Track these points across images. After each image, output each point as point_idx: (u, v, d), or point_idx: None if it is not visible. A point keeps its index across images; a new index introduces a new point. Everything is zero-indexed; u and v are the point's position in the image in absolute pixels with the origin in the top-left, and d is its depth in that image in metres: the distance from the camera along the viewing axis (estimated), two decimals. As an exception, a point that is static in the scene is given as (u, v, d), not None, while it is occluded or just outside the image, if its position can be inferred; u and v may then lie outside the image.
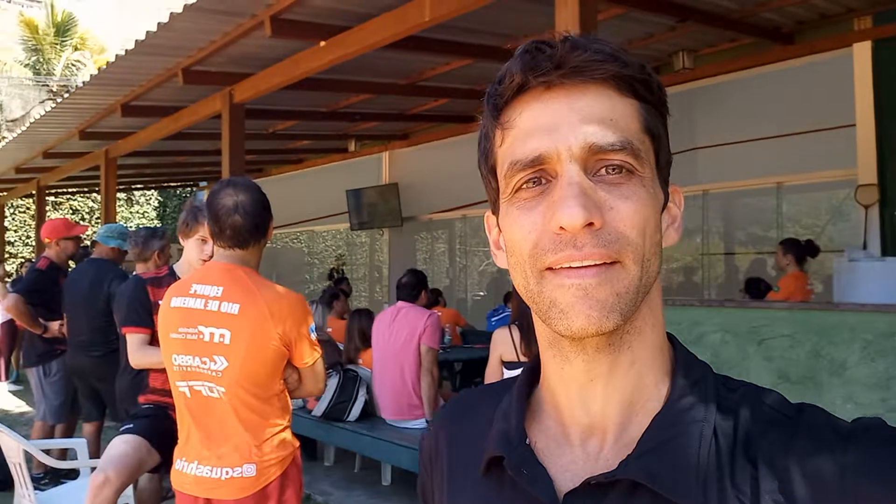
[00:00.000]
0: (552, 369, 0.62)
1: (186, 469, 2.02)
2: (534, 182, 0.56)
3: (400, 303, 4.00)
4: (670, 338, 0.63)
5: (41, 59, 21.16)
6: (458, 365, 5.98)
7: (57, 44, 21.28)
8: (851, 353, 2.31)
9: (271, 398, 2.03)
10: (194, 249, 2.70)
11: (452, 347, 6.11)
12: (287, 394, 2.10)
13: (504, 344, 2.86)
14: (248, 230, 2.03)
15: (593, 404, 0.59)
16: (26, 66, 21.50)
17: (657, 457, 0.54)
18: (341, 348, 4.79)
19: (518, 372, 0.69)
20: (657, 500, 0.53)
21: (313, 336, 2.08)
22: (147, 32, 4.36)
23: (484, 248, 8.32)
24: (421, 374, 3.79)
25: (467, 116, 7.39)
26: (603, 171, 0.55)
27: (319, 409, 4.17)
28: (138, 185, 13.20)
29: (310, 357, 2.07)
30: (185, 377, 2.02)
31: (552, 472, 0.59)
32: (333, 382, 4.18)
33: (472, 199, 7.74)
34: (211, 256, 2.49)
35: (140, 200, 15.30)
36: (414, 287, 3.92)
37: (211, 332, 1.97)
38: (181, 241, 2.78)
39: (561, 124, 0.55)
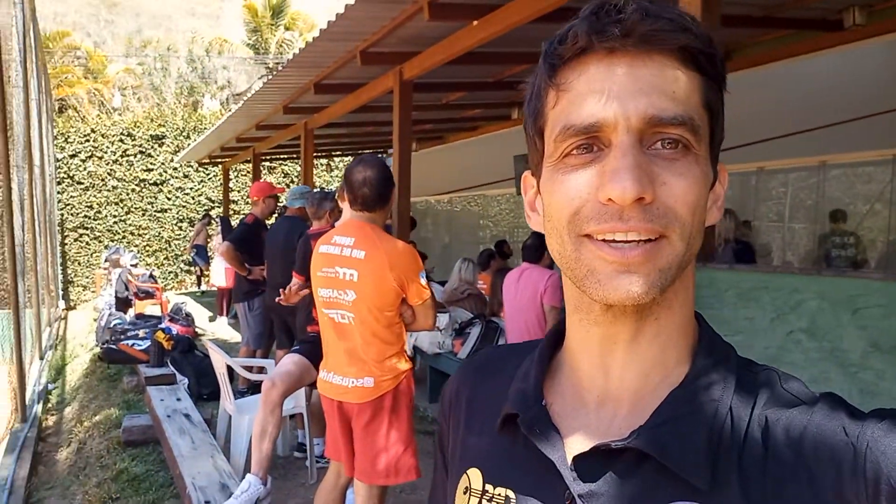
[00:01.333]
0: (576, 332, 0.62)
1: (326, 378, 2.64)
2: (585, 149, 0.54)
3: (524, 263, 4.33)
4: (697, 317, 0.62)
5: (259, 39, 23.95)
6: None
7: (272, 24, 23.86)
8: (942, 325, 2.29)
9: (389, 327, 2.55)
10: (348, 210, 3.31)
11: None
12: (402, 326, 2.61)
13: None
14: (374, 199, 2.58)
15: (613, 369, 0.59)
16: (248, 45, 24.50)
17: (669, 430, 0.54)
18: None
19: None
20: (663, 473, 0.53)
21: (423, 281, 2.56)
22: (328, 22, 5.06)
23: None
24: (546, 330, 4.15)
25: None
26: (658, 144, 0.53)
27: (464, 352, 4.70)
28: (337, 153, 14.65)
29: (419, 298, 2.56)
30: (326, 306, 2.63)
31: (564, 435, 0.59)
32: (477, 330, 4.69)
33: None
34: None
35: (339, 166, 16.89)
36: (537, 249, 4.21)
37: (344, 272, 2.54)
38: (339, 204, 3.39)
39: (621, 92, 0.52)
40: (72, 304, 13.47)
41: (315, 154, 10.85)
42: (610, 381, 0.60)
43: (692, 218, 0.53)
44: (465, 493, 0.65)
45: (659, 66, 0.53)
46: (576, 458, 0.57)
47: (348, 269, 2.53)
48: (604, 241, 0.53)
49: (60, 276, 12.83)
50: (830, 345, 2.65)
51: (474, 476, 0.65)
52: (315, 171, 13.44)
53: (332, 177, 16.92)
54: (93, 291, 13.35)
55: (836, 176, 7.49)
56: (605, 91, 0.53)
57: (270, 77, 6.88)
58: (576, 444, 0.58)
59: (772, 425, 0.53)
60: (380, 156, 14.97)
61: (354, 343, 2.56)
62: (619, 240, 0.52)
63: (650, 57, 0.53)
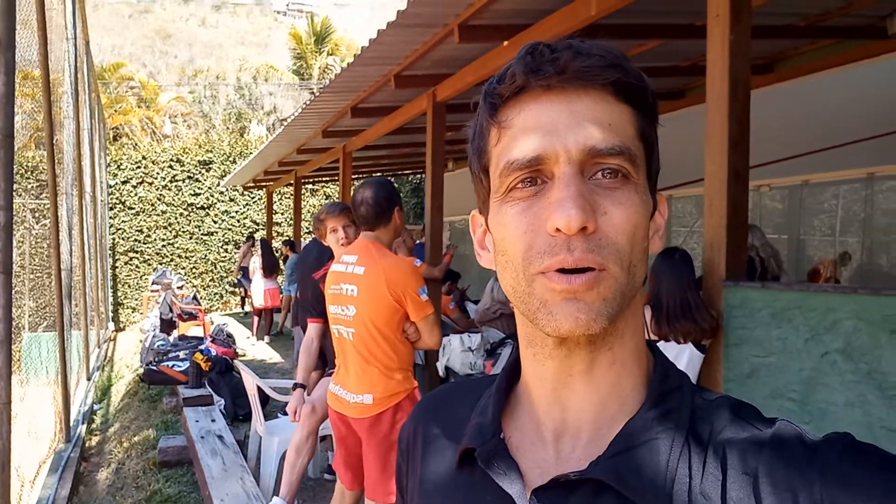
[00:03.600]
0: (530, 367, 0.62)
1: (333, 390, 2.70)
2: (529, 182, 0.56)
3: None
4: (650, 345, 0.63)
5: (304, 65, 24.53)
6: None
7: (316, 51, 24.42)
8: None
9: (390, 345, 2.55)
10: (332, 241, 3.33)
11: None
12: (405, 345, 2.61)
13: None
14: (372, 217, 2.64)
15: (569, 401, 0.60)
16: (293, 71, 25.14)
17: (627, 460, 0.54)
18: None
19: None
20: (623, 502, 0.53)
21: (423, 297, 2.57)
22: (362, 48, 5.14)
23: (683, 228, 8.09)
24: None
25: (674, 93, 7.28)
26: (599, 174, 0.55)
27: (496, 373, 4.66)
28: (376, 174, 14.82)
29: (421, 312, 2.56)
30: (334, 322, 2.68)
31: (523, 468, 0.59)
32: (508, 351, 4.63)
33: (675, 181, 7.61)
34: (348, 239, 3.17)
35: (379, 186, 17.06)
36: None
37: (347, 287, 2.60)
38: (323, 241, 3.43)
39: (560, 126, 0.55)
40: (121, 325, 13.87)
41: (354, 176, 10.99)
42: (567, 412, 0.60)
43: (630, 248, 0.55)
44: None
45: (594, 100, 0.56)
46: (535, 492, 0.57)
47: (350, 285, 2.60)
48: (553, 272, 0.54)
49: (111, 299, 13.23)
50: (868, 367, 2.52)
51: None
52: (356, 193, 13.55)
53: (373, 198, 17.04)
54: (141, 313, 13.72)
55: (890, 188, 7.21)
56: (545, 125, 0.55)
57: (308, 102, 7.01)
58: (535, 477, 0.58)
59: (729, 453, 0.54)
60: (421, 177, 15.07)
61: (356, 359, 2.60)
62: (568, 268, 0.53)
63: (585, 92, 0.56)
